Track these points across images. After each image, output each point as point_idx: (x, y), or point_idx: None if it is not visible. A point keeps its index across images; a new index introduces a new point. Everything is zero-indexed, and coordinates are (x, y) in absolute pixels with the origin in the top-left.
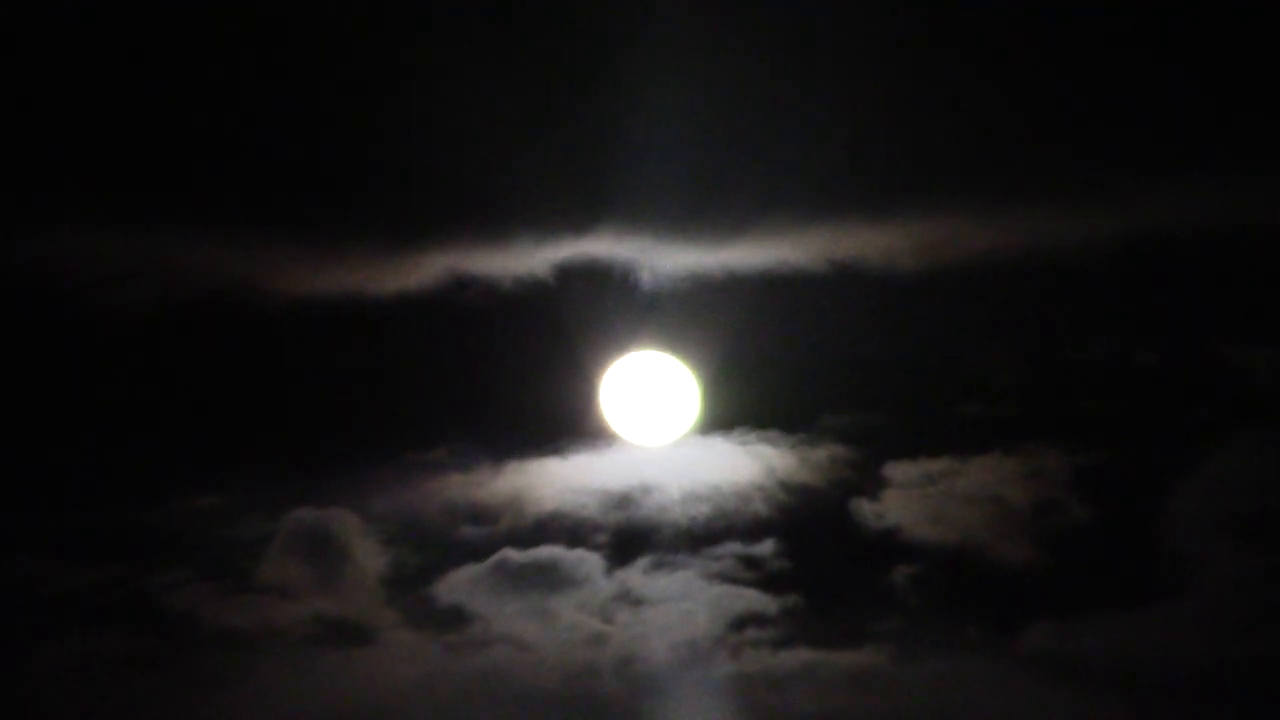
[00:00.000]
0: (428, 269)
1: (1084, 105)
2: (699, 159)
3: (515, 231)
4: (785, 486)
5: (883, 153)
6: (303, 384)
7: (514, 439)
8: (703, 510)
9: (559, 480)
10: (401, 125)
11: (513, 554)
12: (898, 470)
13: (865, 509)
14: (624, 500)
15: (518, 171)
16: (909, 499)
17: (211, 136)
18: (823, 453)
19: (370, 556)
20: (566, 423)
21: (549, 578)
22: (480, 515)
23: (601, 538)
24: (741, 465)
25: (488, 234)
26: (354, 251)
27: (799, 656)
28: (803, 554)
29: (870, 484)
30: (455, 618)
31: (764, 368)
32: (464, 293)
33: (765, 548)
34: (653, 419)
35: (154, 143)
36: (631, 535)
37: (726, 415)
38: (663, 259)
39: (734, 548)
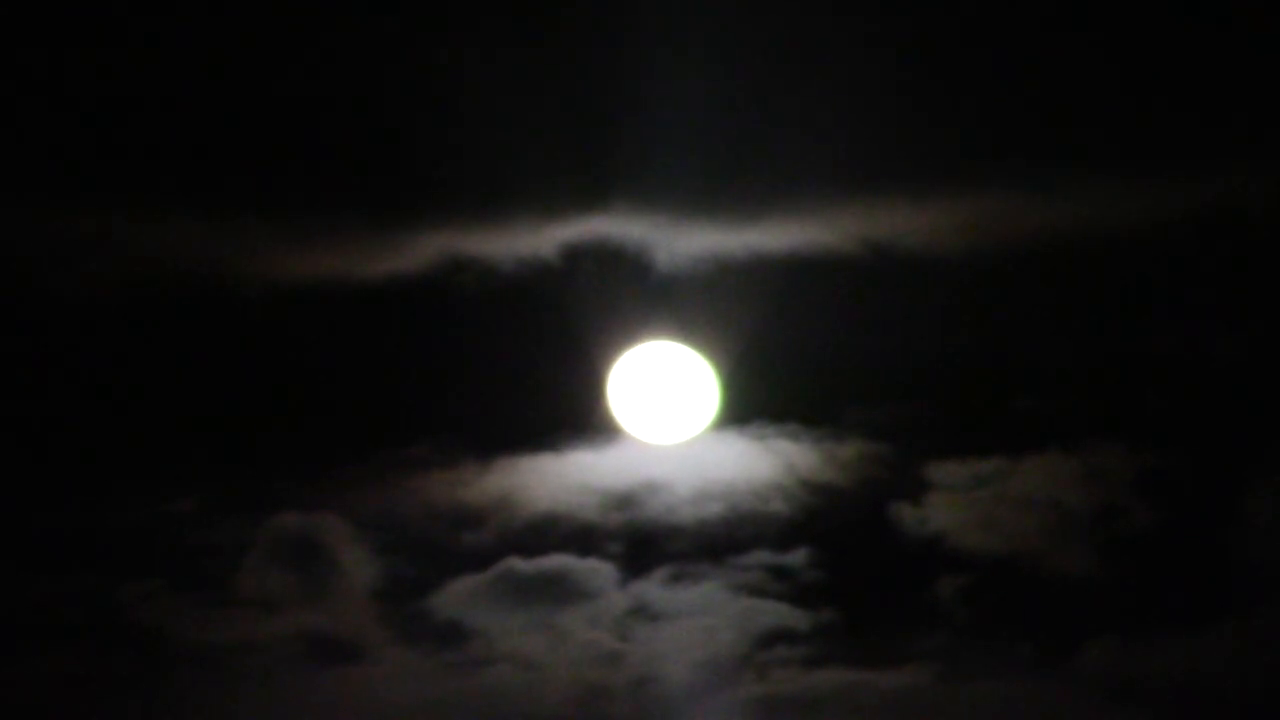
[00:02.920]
0: (420, 250)
1: (1151, 71)
2: (721, 130)
3: (517, 208)
4: (807, 486)
5: (924, 122)
6: (283, 376)
7: (510, 434)
8: (714, 510)
9: (553, 478)
10: (389, 91)
11: (517, 563)
12: (942, 471)
13: (906, 514)
14: (625, 500)
15: (520, 142)
16: (955, 503)
17: (176, 104)
18: (850, 449)
19: (360, 566)
20: (570, 417)
21: (557, 590)
22: (466, 517)
23: (615, 546)
24: (757, 462)
25: (487, 211)
26: (338, 230)
27: (834, 677)
28: (838, 564)
29: (911, 486)
30: (454, 634)
31: (790, 358)
32: (460, 276)
33: (797, 557)
34: (665, 414)
35: (114, 111)
36: (647, 542)
37: (746, 409)
38: (680, 239)
39: (762, 557)
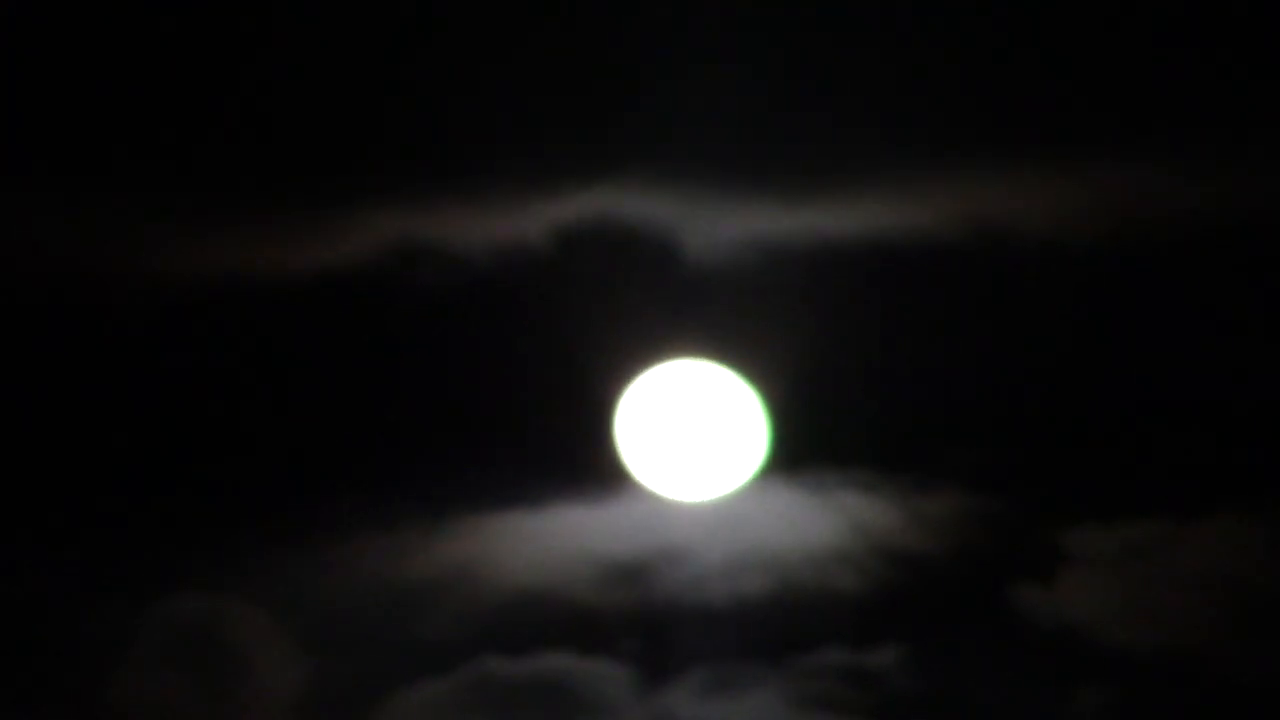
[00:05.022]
0: (363, 236)
1: None
2: (772, 76)
3: (495, 180)
4: (887, 556)
5: (1046, 73)
6: (173, 406)
7: (479, 484)
8: (758, 587)
9: (536, 544)
10: (318, 29)
11: (493, 664)
12: (1080, 538)
13: (1031, 597)
14: (634, 573)
15: (498, 90)
16: (1099, 582)
17: (33, 62)
18: (947, 506)
19: (278, 667)
20: (561, 462)
21: (551, 703)
22: (419, 598)
23: (629, 640)
24: (817, 522)
25: (452, 182)
26: (248, 212)
27: None
28: (938, 666)
29: (1036, 558)
30: None
31: (863, 380)
32: (415, 270)
33: (882, 656)
34: (692, 458)
35: None
36: (672, 634)
37: (802, 450)
38: (716, 219)
39: (834, 655)
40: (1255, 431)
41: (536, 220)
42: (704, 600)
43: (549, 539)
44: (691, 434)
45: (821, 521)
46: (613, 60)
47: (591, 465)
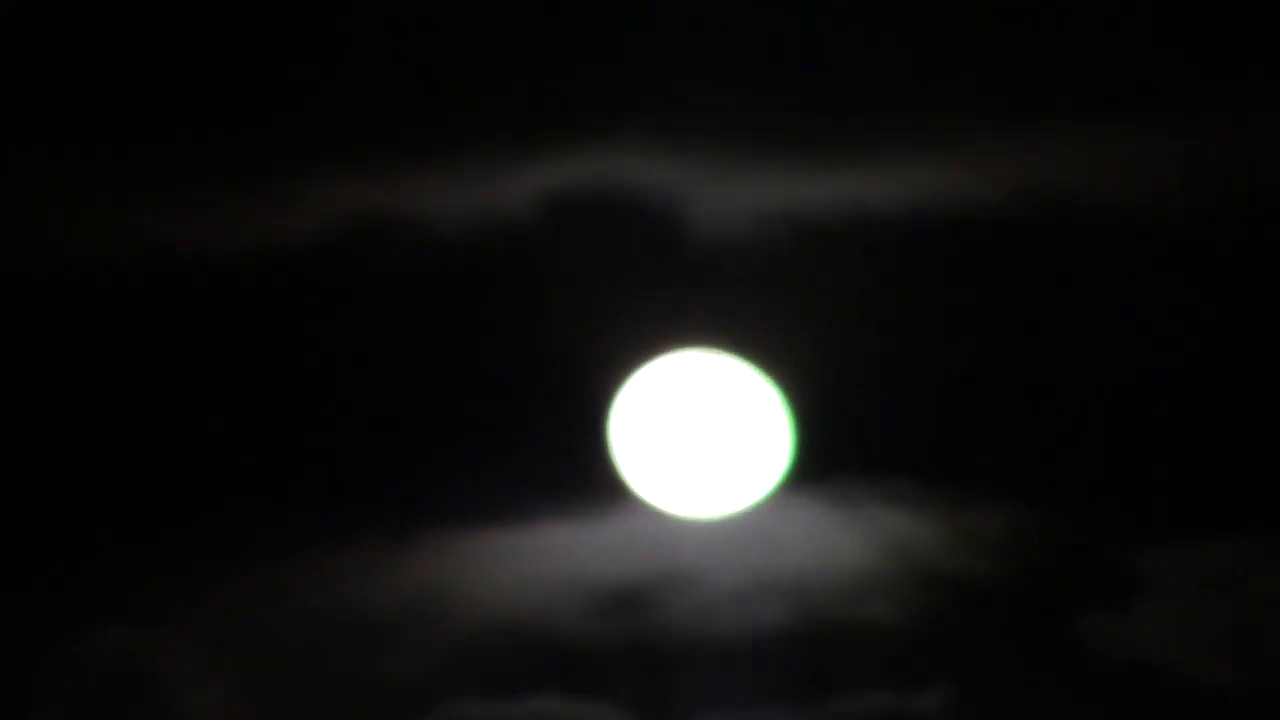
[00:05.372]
0: (314, 210)
1: None
2: (797, 17)
3: (469, 142)
4: (930, 580)
5: (1123, 11)
6: (92, 403)
7: (450, 497)
8: (779, 617)
9: (517, 567)
10: None
11: (470, 707)
12: (1159, 559)
13: (1101, 628)
14: (633, 601)
15: (475, 38)
16: (1182, 611)
17: None
18: (1000, 522)
19: (218, 711)
20: (547, 471)
21: None
22: (380, 629)
23: (627, 679)
24: (847, 540)
25: (421, 145)
26: (182, 185)
27: None
28: (995, 710)
29: (1108, 583)
30: None
31: (902, 376)
32: (375, 246)
33: (928, 700)
34: (701, 466)
35: None
36: (676, 671)
37: (830, 457)
38: (729, 188)
39: (873, 698)
40: None
41: (519, 189)
42: (714, 634)
43: (533, 561)
44: (700, 439)
45: (854, 542)
46: (612, 9)
47: (582, 475)
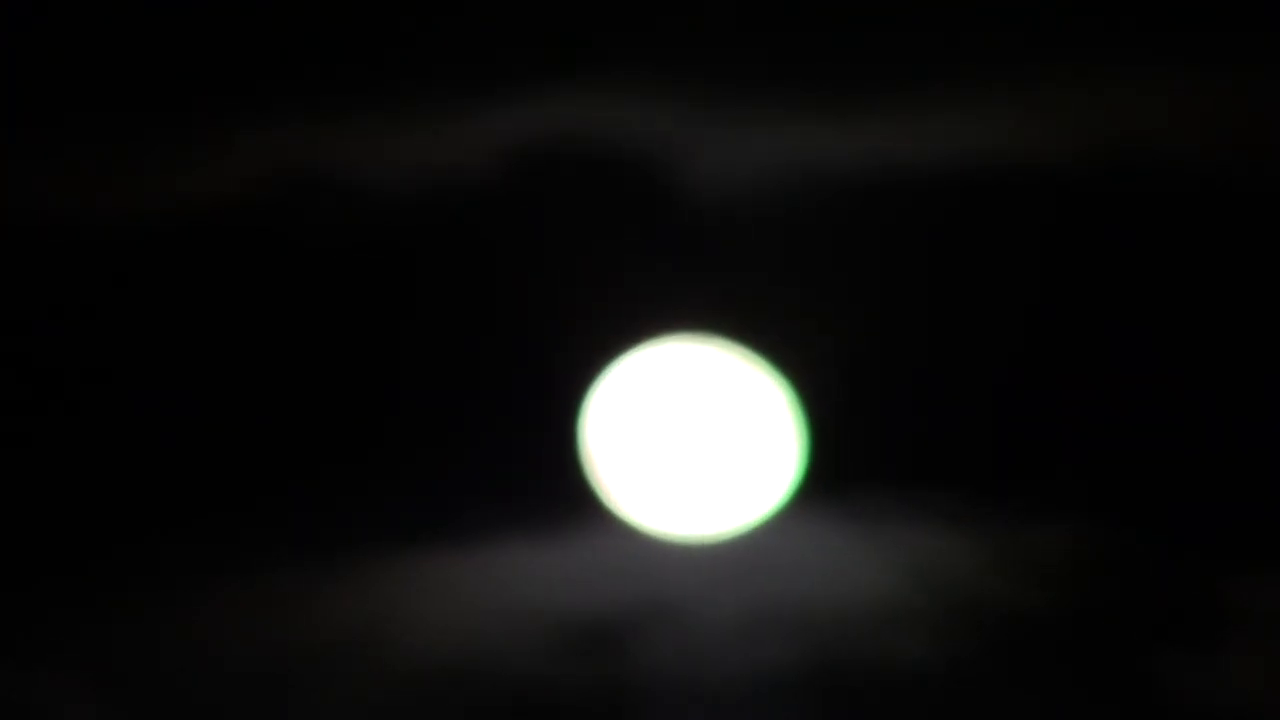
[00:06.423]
0: (243, 164)
1: None
2: None
3: (421, 87)
4: (968, 613)
5: None
6: None
7: (390, 510)
8: (790, 654)
9: (471, 593)
10: None
11: None
12: (1250, 590)
13: (1181, 670)
14: (606, 638)
15: None
16: (1275, 648)
17: None
18: (1054, 543)
19: None
20: (507, 480)
21: None
22: (304, 667)
23: None
24: (866, 566)
25: (366, 93)
26: (95, 139)
27: None
28: None
29: (1189, 617)
30: None
31: (933, 368)
32: (311, 206)
33: None
34: (692, 481)
35: None
36: (660, 719)
37: (849, 466)
38: (728, 140)
39: None
40: None
41: (478, 139)
42: (706, 677)
43: (488, 588)
44: (690, 444)
45: (876, 566)
46: None
47: (548, 486)
